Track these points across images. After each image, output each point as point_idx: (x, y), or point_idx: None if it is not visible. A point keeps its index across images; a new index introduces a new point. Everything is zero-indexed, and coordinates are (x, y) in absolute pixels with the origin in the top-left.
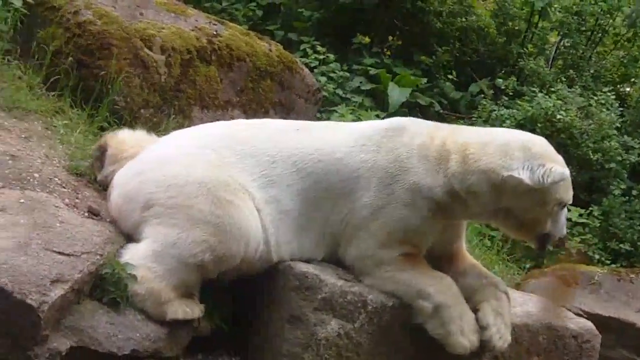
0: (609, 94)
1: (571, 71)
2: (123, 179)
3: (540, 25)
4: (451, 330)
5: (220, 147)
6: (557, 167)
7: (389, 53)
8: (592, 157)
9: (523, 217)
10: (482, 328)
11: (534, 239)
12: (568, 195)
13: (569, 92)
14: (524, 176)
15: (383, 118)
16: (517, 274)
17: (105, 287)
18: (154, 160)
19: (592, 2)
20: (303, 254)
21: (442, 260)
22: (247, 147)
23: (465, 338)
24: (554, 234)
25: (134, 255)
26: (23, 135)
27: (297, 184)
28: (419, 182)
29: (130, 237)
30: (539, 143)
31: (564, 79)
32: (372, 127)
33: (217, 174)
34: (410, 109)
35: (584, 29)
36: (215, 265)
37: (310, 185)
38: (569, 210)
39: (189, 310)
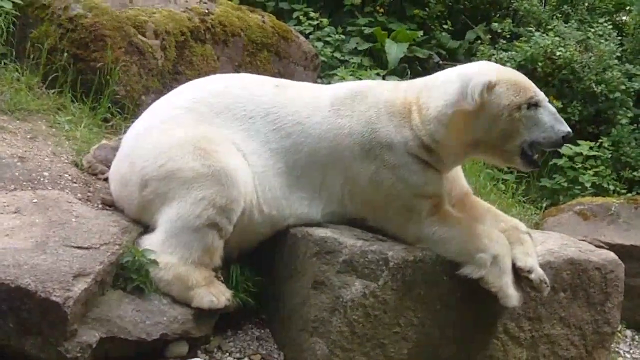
0: (605, 24)
1: (565, 6)
2: (115, 168)
3: None
4: (507, 282)
5: (195, 103)
6: (479, 76)
7: (381, 10)
8: (595, 89)
9: (494, 141)
10: (528, 272)
11: (519, 158)
12: (523, 95)
13: (565, 27)
14: (464, 103)
15: (384, 75)
16: (535, 213)
17: (128, 275)
18: (134, 139)
19: None
20: (294, 213)
21: (454, 209)
22: (224, 100)
23: (515, 291)
24: (538, 140)
25: (152, 243)
26: (28, 136)
27: (275, 142)
28: (391, 141)
29: (141, 223)
30: (477, 66)
31: (559, 15)
32: (344, 89)
33: (198, 130)
34: (409, 63)
35: None
36: (224, 216)
37: (291, 147)
38: (577, 144)
39: (215, 299)
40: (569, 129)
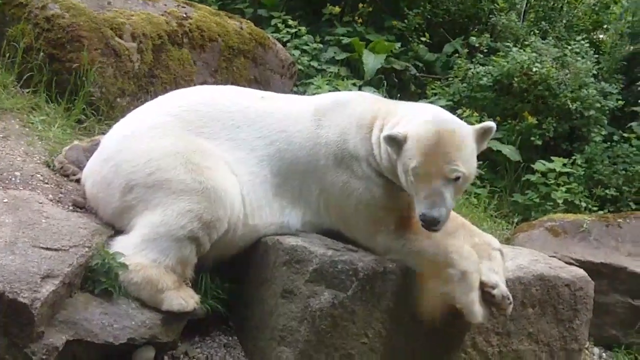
0: (582, 42)
1: (543, 23)
2: (93, 168)
3: None
4: (473, 299)
5: (184, 111)
6: (395, 128)
7: (360, 21)
8: (571, 106)
9: (409, 192)
10: (492, 288)
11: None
12: (411, 161)
13: (543, 44)
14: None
15: (360, 86)
16: (507, 228)
17: (97, 278)
18: (120, 142)
19: None
20: (275, 221)
21: None
22: (212, 109)
23: (481, 307)
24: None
25: (125, 245)
26: (1, 135)
27: (261, 149)
28: (357, 152)
29: (113, 226)
30: (429, 110)
31: (537, 32)
32: (327, 100)
33: (189, 142)
34: (386, 74)
35: None
36: (206, 232)
37: (275, 154)
38: (550, 160)
39: (184, 302)
40: (431, 214)
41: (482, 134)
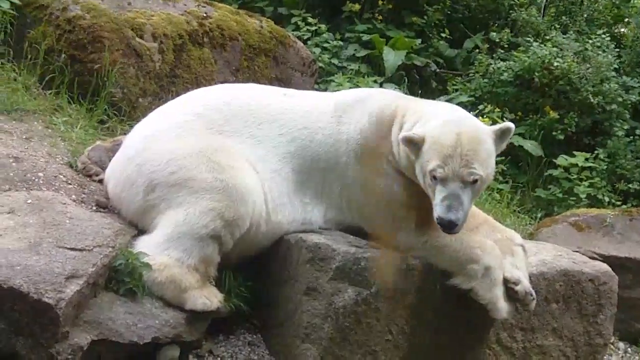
0: (603, 36)
1: (564, 17)
2: (115, 167)
3: None
4: (497, 295)
5: (207, 109)
6: (413, 129)
7: (380, 18)
8: (592, 100)
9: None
10: (514, 284)
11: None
12: (430, 163)
13: (563, 38)
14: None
15: (381, 83)
16: (530, 223)
17: (121, 278)
18: (143, 141)
19: None
20: (298, 218)
21: None
22: (234, 107)
23: (505, 303)
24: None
25: (148, 244)
26: (24, 136)
27: (283, 146)
28: (376, 148)
29: (136, 226)
30: (447, 110)
31: (557, 26)
32: (348, 96)
33: (211, 140)
34: (407, 71)
35: None
36: (228, 231)
37: (297, 151)
38: (573, 155)
39: (208, 302)
40: (448, 217)
41: (501, 135)
